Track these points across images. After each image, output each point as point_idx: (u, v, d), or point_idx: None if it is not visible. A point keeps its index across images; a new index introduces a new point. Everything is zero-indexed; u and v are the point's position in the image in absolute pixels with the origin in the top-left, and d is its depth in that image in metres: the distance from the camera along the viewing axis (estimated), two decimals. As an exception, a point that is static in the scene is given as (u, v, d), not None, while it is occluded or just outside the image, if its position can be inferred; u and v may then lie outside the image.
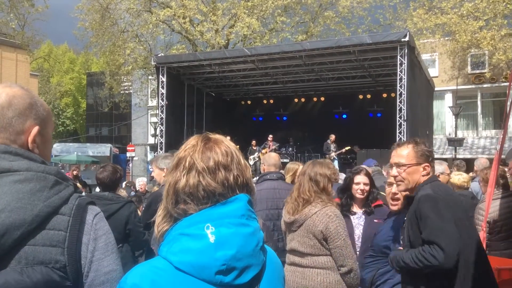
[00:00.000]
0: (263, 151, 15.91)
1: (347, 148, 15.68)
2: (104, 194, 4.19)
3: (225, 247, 1.15)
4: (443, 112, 27.16)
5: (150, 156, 35.11)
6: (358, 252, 3.70)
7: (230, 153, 1.28)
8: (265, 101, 20.77)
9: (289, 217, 3.39)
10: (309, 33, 22.10)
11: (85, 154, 30.63)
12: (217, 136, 1.34)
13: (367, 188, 3.96)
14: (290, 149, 17.72)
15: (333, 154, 15.60)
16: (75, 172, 12.10)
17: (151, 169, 4.89)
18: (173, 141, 16.32)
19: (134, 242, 4.19)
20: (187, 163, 1.25)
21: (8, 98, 1.33)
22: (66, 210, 1.27)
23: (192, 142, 1.31)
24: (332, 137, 15.93)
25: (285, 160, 15.05)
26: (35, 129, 1.36)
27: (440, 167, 5.07)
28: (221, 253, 1.14)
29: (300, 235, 3.31)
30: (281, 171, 5.10)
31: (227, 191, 1.23)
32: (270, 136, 17.04)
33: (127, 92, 33.54)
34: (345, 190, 4.02)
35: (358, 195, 3.96)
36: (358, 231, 3.91)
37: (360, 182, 3.95)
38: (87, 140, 44.43)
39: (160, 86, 16.04)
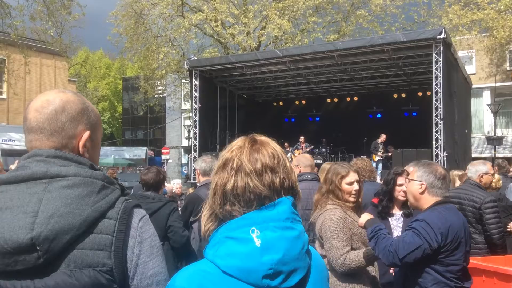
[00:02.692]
0: (296, 152, 15.86)
1: (390, 154, 15.34)
2: (147, 193, 4.41)
3: (271, 251, 1.14)
4: (481, 110, 26.38)
5: (184, 159, 35.57)
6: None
7: (277, 156, 1.28)
8: (297, 102, 20.70)
9: (311, 217, 3.47)
10: (341, 33, 21.87)
11: (121, 157, 31.38)
12: (263, 138, 1.33)
13: None
14: (323, 150, 17.57)
15: (379, 154, 15.29)
16: (113, 175, 12.38)
17: (185, 171, 5.00)
18: (206, 143, 16.50)
19: (173, 236, 4.31)
20: (234, 164, 1.25)
21: (62, 103, 1.36)
22: (112, 214, 1.29)
23: (238, 143, 1.31)
24: (383, 136, 15.49)
25: (318, 161, 14.97)
26: (86, 134, 1.39)
27: (483, 167, 4.90)
28: (267, 257, 1.14)
29: (316, 236, 3.36)
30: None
31: (273, 194, 1.23)
32: (302, 137, 16.94)
33: (161, 96, 34.09)
34: (387, 192, 3.93)
35: (401, 197, 3.86)
36: (396, 233, 3.83)
37: (403, 184, 3.87)
38: (123, 143, 45.42)
39: (193, 89, 16.24)
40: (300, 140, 16.89)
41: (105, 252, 1.24)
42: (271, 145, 1.30)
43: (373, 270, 3.25)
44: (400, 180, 3.86)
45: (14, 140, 19.75)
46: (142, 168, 31.07)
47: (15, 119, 27.26)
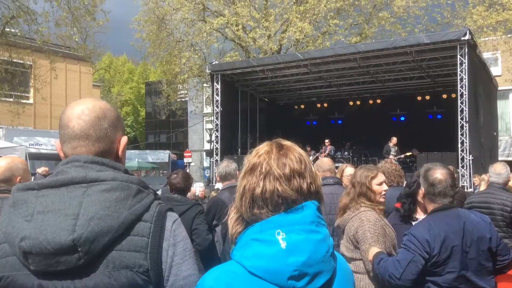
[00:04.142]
0: (320, 155, 15.73)
1: (408, 153, 15.13)
2: (174, 196, 4.54)
3: (296, 253, 1.17)
4: (508, 112, 25.81)
5: (206, 162, 35.77)
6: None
7: (304, 161, 1.30)
8: (319, 105, 20.61)
9: (336, 221, 3.44)
10: (363, 35, 21.68)
11: (145, 161, 31.78)
12: (288, 143, 1.35)
13: None
14: (346, 153, 17.43)
15: (392, 158, 15.10)
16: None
17: (207, 175, 5.08)
18: (228, 147, 16.57)
19: (197, 239, 4.36)
20: (263, 169, 1.27)
21: (102, 110, 1.41)
22: (148, 217, 1.33)
23: (265, 148, 1.33)
24: (394, 139, 15.26)
25: (339, 165, 14.85)
26: (124, 139, 1.47)
27: (507, 170, 4.78)
28: (292, 259, 1.16)
29: (344, 240, 3.32)
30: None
31: (300, 198, 1.26)
32: (327, 140, 16.80)
33: (183, 100, 34.40)
34: (410, 195, 3.87)
35: None
36: (420, 237, 3.76)
37: None
38: (146, 147, 45.98)
39: (214, 93, 16.35)
40: (326, 143, 16.76)
41: (142, 254, 1.28)
42: (297, 150, 1.33)
43: None
44: None
45: (41, 144, 20.19)
46: (165, 172, 31.47)
47: (41, 124, 27.88)
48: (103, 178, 1.31)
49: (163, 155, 33.95)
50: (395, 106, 19.26)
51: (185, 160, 30.87)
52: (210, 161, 18.42)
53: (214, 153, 16.43)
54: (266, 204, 1.24)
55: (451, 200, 2.80)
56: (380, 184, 3.31)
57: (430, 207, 2.82)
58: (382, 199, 3.31)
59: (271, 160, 1.28)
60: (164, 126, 48.96)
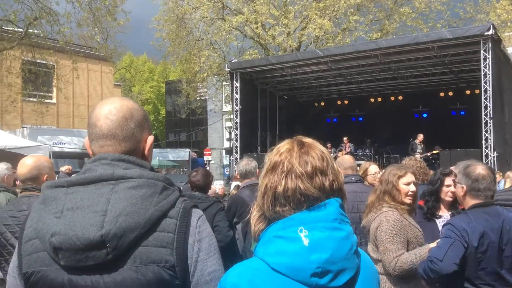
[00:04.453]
0: (339, 153, 15.63)
1: (434, 152, 14.87)
2: (195, 194, 4.55)
3: (319, 250, 1.17)
4: (534, 108, 25.10)
5: (225, 160, 35.90)
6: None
7: (326, 158, 1.30)
8: (339, 102, 20.48)
9: (363, 221, 3.43)
10: (384, 31, 21.46)
11: (166, 159, 32.12)
12: (309, 140, 1.35)
13: None
14: (367, 150, 17.26)
15: (418, 156, 14.86)
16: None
17: (227, 173, 5.09)
18: (247, 145, 16.57)
19: (218, 235, 4.37)
20: (285, 167, 1.27)
21: (129, 110, 1.44)
22: (173, 214, 1.35)
23: (286, 146, 1.32)
24: (420, 136, 15.06)
25: (362, 162, 14.70)
26: (151, 138, 1.49)
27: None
28: (315, 256, 1.16)
29: (370, 240, 3.32)
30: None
31: (322, 195, 1.25)
32: (346, 138, 16.72)
33: (202, 98, 34.61)
34: (433, 193, 3.80)
35: (448, 197, 3.75)
36: (445, 235, 3.69)
37: (451, 184, 3.74)
38: (167, 145, 46.40)
39: (234, 92, 16.39)
40: (344, 140, 16.65)
41: (168, 249, 1.31)
42: (319, 147, 1.32)
43: None
44: (447, 181, 3.77)
45: (64, 143, 20.55)
46: (185, 170, 31.71)
47: (64, 123, 28.38)
48: (130, 176, 1.34)
49: (184, 153, 34.25)
50: (417, 103, 19.03)
51: (205, 158, 31.07)
52: (229, 159, 18.46)
53: (234, 151, 16.47)
54: (288, 202, 1.24)
55: (493, 194, 2.83)
56: (408, 184, 3.26)
57: (471, 202, 2.81)
58: (408, 200, 3.24)
59: (293, 158, 1.27)
60: (184, 125, 49.35)
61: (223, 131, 37.63)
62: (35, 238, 1.32)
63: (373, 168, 5.09)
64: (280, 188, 1.25)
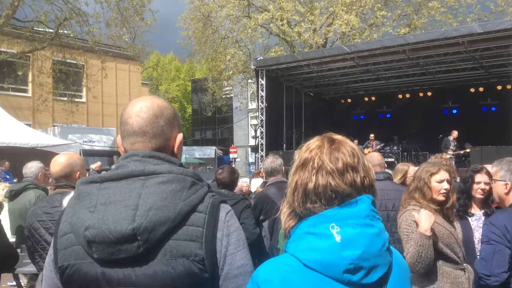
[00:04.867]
0: (366, 151, 15.45)
1: (467, 150, 14.54)
2: (221, 191, 4.57)
3: (351, 246, 1.17)
4: None
5: (251, 158, 35.97)
6: (478, 257, 3.41)
7: (357, 154, 1.30)
8: (366, 99, 20.28)
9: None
10: (412, 26, 21.09)
11: (192, 157, 32.43)
12: (340, 137, 1.35)
13: (487, 187, 3.67)
14: (395, 147, 17.00)
15: (450, 153, 14.56)
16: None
17: (252, 170, 5.11)
18: (273, 142, 16.55)
19: (245, 231, 4.37)
20: (315, 164, 1.27)
21: (159, 108, 1.48)
22: (202, 208, 1.37)
23: (316, 143, 1.33)
24: (454, 133, 14.73)
25: (389, 159, 14.51)
26: (180, 135, 1.54)
27: None
28: (348, 253, 1.17)
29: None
30: (387, 170, 4.91)
31: (353, 192, 1.25)
32: (372, 135, 16.54)
33: (228, 96, 34.76)
34: (465, 190, 3.73)
35: (479, 195, 3.71)
36: (478, 234, 3.60)
37: (481, 181, 3.69)
38: (193, 143, 46.84)
39: (259, 89, 16.40)
40: (370, 137, 16.48)
41: (197, 243, 1.33)
42: (349, 144, 1.32)
43: (461, 275, 3.07)
44: (478, 178, 3.73)
45: (94, 141, 20.98)
46: (211, 167, 31.93)
47: (93, 121, 28.99)
48: (160, 171, 1.37)
49: (210, 151, 34.50)
50: (446, 99, 18.66)
51: (231, 155, 31.21)
52: (255, 157, 18.48)
53: (259, 149, 16.49)
54: (319, 198, 1.25)
55: None
56: (441, 181, 3.19)
57: None
58: (441, 197, 3.17)
59: (323, 154, 1.28)
60: (210, 123, 49.64)
61: (248, 128, 37.72)
62: (70, 233, 1.36)
63: (413, 170, 5.03)
64: (310, 185, 1.26)
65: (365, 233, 1.20)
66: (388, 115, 20.41)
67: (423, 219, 2.95)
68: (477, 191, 3.71)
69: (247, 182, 11.84)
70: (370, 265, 1.18)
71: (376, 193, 1.32)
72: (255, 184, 9.35)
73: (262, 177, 12.39)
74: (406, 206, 3.22)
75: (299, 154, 1.34)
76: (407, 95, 19.23)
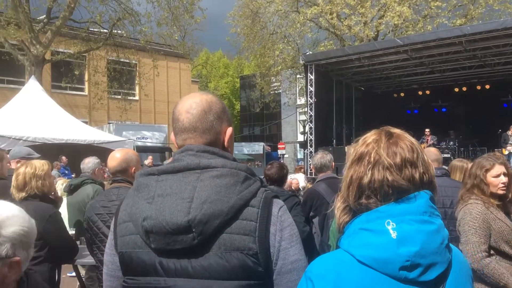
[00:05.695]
0: (421, 146, 15.00)
1: None
2: (270, 187, 4.50)
3: (408, 243, 1.14)
4: None
5: (299, 154, 35.84)
6: None
7: (416, 149, 1.26)
8: (420, 93, 19.75)
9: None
10: (468, 16, 20.29)
11: (241, 153, 32.73)
12: (398, 131, 1.31)
13: None
14: (451, 143, 16.43)
15: (509, 148, 13.86)
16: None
17: None
18: (322, 138, 16.38)
19: None
20: (371, 158, 1.24)
21: (208, 104, 1.51)
22: (255, 203, 1.39)
23: (373, 137, 1.29)
24: None
25: (445, 155, 13.98)
26: (230, 130, 1.56)
27: None
28: (404, 249, 1.13)
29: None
30: (443, 166, 4.74)
31: (411, 187, 1.21)
32: (427, 129, 16.02)
33: (276, 92, 34.77)
34: None
35: None
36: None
37: None
38: (241, 139, 47.26)
39: (308, 84, 16.28)
40: (426, 132, 15.97)
41: (250, 237, 1.34)
42: (408, 138, 1.28)
43: None
44: None
45: (147, 138, 21.59)
46: (259, 163, 32.09)
47: (146, 119, 29.85)
48: (214, 165, 1.40)
49: (258, 147, 34.69)
50: (506, 92, 17.85)
51: (279, 151, 31.26)
52: (304, 153, 18.39)
53: (308, 145, 16.38)
54: (374, 193, 1.22)
55: None
56: (497, 176, 3.12)
57: None
58: (500, 192, 3.10)
59: (380, 149, 1.24)
60: (258, 119, 49.92)
61: (297, 124, 37.60)
62: (129, 221, 1.43)
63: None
64: (366, 180, 1.23)
65: (422, 229, 1.16)
66: (443, 109, 19.81)
67: None
68: None
69: (296, 178, 11.82)
70: (427, 263, 1.14)
71: (436, 190, 1.27)
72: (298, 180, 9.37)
73: (303, 172, 12.33)
74: (467, 200, 3.16)
75: (355, 148, 1.31)
76: (464, 89, 18.55)
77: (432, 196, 1.24)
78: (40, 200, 3.22)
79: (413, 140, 1.28)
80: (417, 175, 1.22)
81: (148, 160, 13.91)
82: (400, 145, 1.24)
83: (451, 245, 1.25)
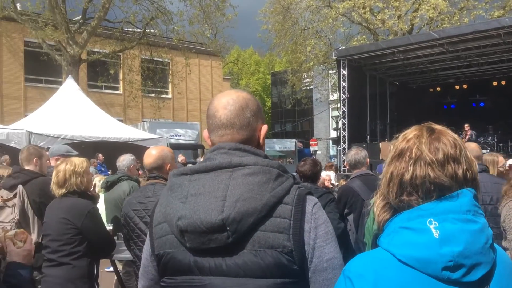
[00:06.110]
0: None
1: None
2: (304, 184, 4.47)
3: (451, 243, 1.11)
4: None
5: (332, 150, 35.53)
6: None
7: (459, 145, 1.22)
8: (457, 87, 19.32)
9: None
10: (507, 8, 19.65)
11: (272, 149, 32.68)
12: (440, 127, 1.28)
13: None
14: (490, 138, 15.96)
15: None
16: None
17: (334, 163, 4.97)
18: (356, 134, 16.19)
19: None
20: (413, 154, 1.21)
21: (245, 100, 1.51)
22: (288, 200, 1.38)
23: (414, 132, 1.26)
24: None
25: (484, 151, 13.57)
26: (265, 127, 1.56)
27: None
28: (447, 249, 1.10)
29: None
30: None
31: (454, 185, 1.18)
32: (467, 125, 15.60)
33: (308, 88, 34.56)
34: None
35: None
36: None
37: None
38: (273, 136, 47.21)
39: (341, 80, 16.14)
40: (465, 128, 15.54)
41: (284, 235, 1.33)
42: (451, 134, 1.25)
43: None
44: None
45: (179, 135, 21.89)
46: (291, 160, 31.98)
47: (179, 116, 30.23)
48: (246, 163, 1.40)
49: (290, 144, 34.55)
50: (548, 85, 17.11)
51: (311, 148, 31.07)
52: (337, 149, 18.22)
53: (341, 141, 16.23)
54: (416, 190, 1.19)
55: None
56: None
57: None
58: None
59: (422, 144, 1.21)
60: (290, 115, 49.72)
61: (329, 120, 37.27)
62: (164, 222, 1.43)
63: (502, 161, 4.68)
64: (407, 176, 1.19)
65: (466, 229, 1.13)
66: (481, 104, 19.38)
67: None
68: None
69: (329, 175, 11.69)
70: (471, 263, 1.11)
71: (479, 187, 1.23)
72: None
73: (334, 170, 12.19)
74: (510, 196, 3.11)
75: (395, 144, 1.28)
76: (503, 82, 18.02)
77: (476, 194, 1.20)
78: (79, 196, 3.30)
79: (455, 136, 1.25)
80: (460, 172, 1.19)
81: (181, 158, 14.09)
82: (442, 141, 1.21)
83: (495, 244, 1.21)
